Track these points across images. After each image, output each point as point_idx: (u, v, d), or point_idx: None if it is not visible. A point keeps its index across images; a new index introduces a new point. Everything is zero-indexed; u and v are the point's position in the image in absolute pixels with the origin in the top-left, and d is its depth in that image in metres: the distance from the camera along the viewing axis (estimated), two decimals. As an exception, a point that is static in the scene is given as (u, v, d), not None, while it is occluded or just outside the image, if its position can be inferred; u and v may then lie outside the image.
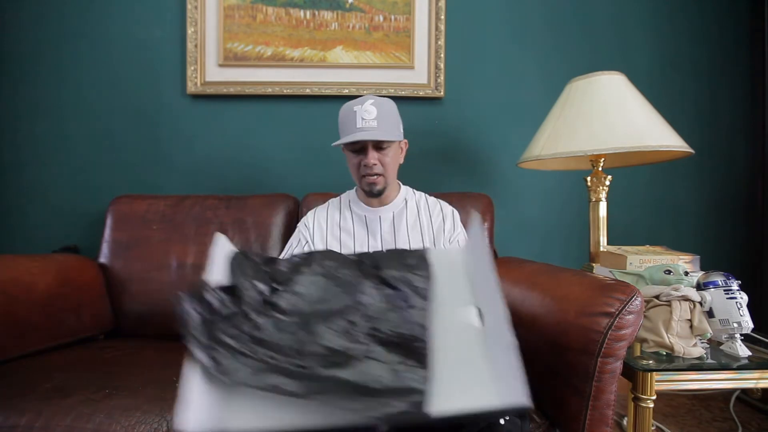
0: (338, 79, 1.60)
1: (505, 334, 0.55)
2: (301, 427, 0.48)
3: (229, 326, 0.54)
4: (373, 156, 0.99)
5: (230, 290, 0.60)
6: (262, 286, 0.61)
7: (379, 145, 0.99)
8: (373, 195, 1.04)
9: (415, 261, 0.65)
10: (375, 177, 1.01)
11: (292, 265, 0.66)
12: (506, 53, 1.66)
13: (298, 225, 1.13)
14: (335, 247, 1.05)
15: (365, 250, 1.03)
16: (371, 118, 0.96)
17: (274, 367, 0.51)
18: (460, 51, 1.64)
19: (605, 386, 0.71)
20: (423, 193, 1.15)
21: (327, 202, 1.15)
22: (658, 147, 1.13)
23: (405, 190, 1.13)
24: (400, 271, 0.63)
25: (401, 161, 1.09)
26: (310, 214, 1.13)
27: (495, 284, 0.59)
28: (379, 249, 1.03)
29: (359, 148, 1.00)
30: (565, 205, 1.66)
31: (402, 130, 1.06)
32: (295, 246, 1.09)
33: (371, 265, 0.65)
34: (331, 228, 1.09)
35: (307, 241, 1.08)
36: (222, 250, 0.67)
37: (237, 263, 0.64)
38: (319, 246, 1.08)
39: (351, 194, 1.13)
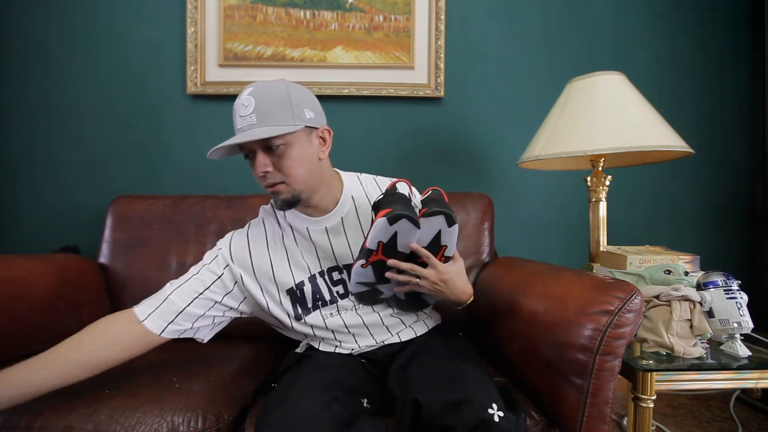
0: (338, 79, 1.60)
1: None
2: None
3: None
4: (263, 161, 0.75)
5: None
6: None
7: (267, 146, 0.75)
8: (286, 207, 0.81)
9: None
10: (275, 186, 0.78)
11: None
12: (506, 53, 1.66)
13: (210, 264, 0.86)
14: (285, 280, 0.87)
15: (321, 270, 0.88)
16: (248, 113, 0.73)
17: None
18: (460, 51, 1.64)
19: (603, 383, 0.71)
20: (370, 177, 0.95)
21: (247, 225, 0.93)
22: (658, 147, 1.13)
23: (349, 184, 0.90)
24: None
25: (322, 156, 0.82)
26: (225, 242, 0.89)
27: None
28: (336, 266, 0.88)
29: (246, 153, 0.78)
30: (565, 205, 1.66)
31: (308, 116, 0.78)
32: (205, 289, 0.83)
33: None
34: (261, 261, 0.87)
35: (229, 289, 0.85)
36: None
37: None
38: (251, 285, 0.86)
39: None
